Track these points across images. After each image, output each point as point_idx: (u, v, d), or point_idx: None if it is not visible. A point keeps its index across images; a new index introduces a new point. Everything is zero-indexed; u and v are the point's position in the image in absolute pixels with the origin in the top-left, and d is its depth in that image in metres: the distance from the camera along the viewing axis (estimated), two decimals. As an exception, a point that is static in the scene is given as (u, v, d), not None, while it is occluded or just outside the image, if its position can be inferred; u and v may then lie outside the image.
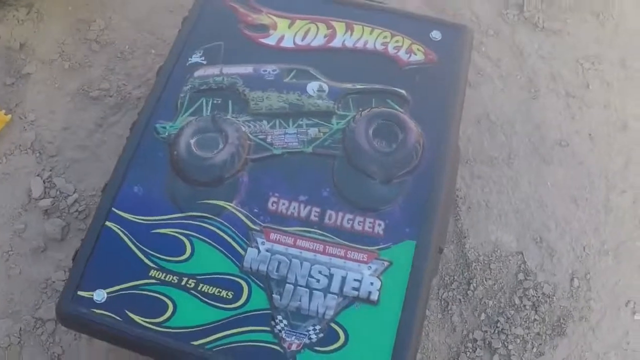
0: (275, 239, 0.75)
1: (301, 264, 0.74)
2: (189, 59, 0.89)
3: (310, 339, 0.70)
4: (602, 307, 0.93)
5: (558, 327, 0.91)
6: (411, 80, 0.86)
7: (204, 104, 0.85)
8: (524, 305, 0.91)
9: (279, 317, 0.71)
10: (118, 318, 0.72)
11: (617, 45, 1.13)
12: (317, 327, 0.70)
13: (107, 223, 0.77)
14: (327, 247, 0.75)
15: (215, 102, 0.86)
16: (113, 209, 0.77)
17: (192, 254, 0.75)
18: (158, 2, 1.15)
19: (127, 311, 0.72)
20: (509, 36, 1.12)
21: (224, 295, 0.72)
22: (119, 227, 0.76)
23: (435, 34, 0.89)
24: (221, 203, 0.77)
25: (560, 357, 0.90)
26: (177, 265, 0.74)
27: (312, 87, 0.87)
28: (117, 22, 1.13)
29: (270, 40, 0.90)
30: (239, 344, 0.71)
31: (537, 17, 1.13)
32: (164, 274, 0.74)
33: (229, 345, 0.71)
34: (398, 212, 0.77)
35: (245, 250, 0.74)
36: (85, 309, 0.73)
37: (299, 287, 0.73)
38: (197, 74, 0.88)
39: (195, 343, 0.71)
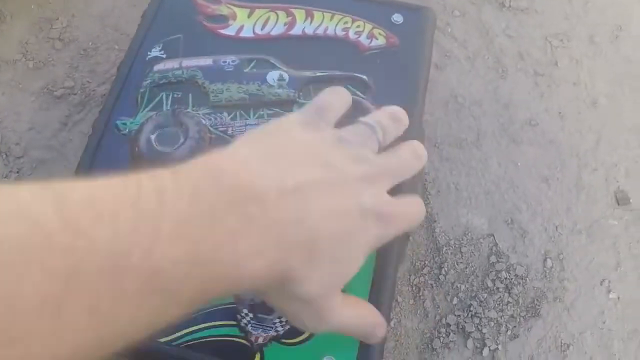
0: None
1: None
2: (149, 53, 0.89)
3: (276, 331, 0.69)
4: (577, 286, 0.93)
5: (532, 309, 0.91)
6: (373, 65, 0.85)
7: (164, 98, 0.85)
8: (497, 288, 0.91)
9: (245, 311, 0.71)
10: None
11: (585, 21, 1.12)
12: (283, 320, 0.69)
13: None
14: None
15: (175, 95, 0.85)
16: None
17: None
18: (120, -3, 1.15)
19: None
20: (475, 16, 1.12)
21: None
22: None
23: (397, 17, 0.89)
24: None
25: (535, 338, 0.90)
26: None
27: (272, 76, 0.86)
28: (80, 19, 1.13)
29: (230, 31, 0.90)
30: (207, 339, 0.70)
31: (503, -5, 1.13)
32: None
33: (197, 341, 0.70)
34: None
35: None
36: None
37: None
38: (156, 68, 0.87)
39: (163, 340, 0.71)
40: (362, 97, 0.83)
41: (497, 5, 1.13)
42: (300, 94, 0.85)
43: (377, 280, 0.72)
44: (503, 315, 0.90)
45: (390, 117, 0.55)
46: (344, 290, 0.53)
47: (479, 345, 0.88)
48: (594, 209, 0.98)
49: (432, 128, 0.99)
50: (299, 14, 0.91)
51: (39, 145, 1.02)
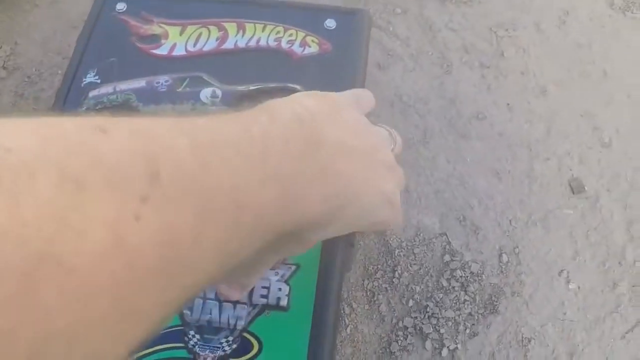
0: None
1: None
2: (84, 79, 0.89)
3: (224, 350, 0.70)
4: (535, 279, 0.93)
5: (490, 305, 0.91)
6: (306, 74, 0.85)
7: None
8: (453, 287, 0.91)
9: (192, 332, 0.71)
10: None
11: (531, 8, 1.12)
12: (230, 338, 0.70)
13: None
14: None
15: None
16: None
17: None
18: (62, 19, 1.15)
19: None
20: (417, 12, 1.12)
21: None
22: None
23: (330, 23, 0.89)
24: None
25: (495, 335, 0.90)
26: None
27: (205, 93, 0.86)
28: (23, 46, 1.14)
29: (162, 50, 0.89)
30: None
31: (445, -11, 1.13)
32: None
33: None
34: None
35: None
36: None
37: (208, 300, 0.72)
38: (91, 94, 0.87)
39: None
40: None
41: (439, 0, 1.13)
42: (235, 109, 0.85)
43: (320, 291, 0.72)
44: (460, 314, 0.90)
45: (398, 136, 0.59)
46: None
47: (437, 346, 0.89)
48: (548, 200, 0.98)
49: (378, 129, 0.99)
50: (231, 27, 0.91)
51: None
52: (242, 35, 0.91)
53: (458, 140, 1.01)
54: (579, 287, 0.92)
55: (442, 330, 0.89)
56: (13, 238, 0.24)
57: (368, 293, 0.92)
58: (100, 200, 0.28)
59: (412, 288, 0.92)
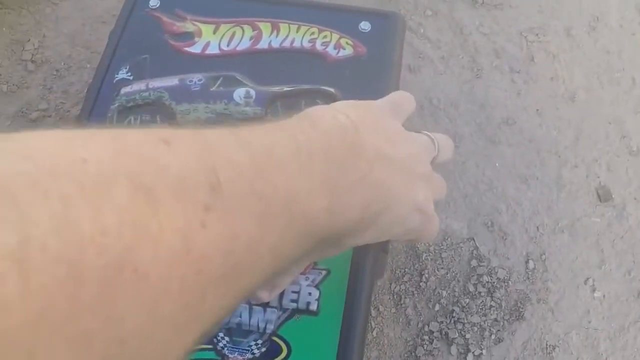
0: None
1: None
2: (116, 75, 0.90)
3: (253, 353, 0.71)
4: (560, 287, 0.94)
5: (516, 312, 0.92)
6: (341, 76, 0.85)
7: (132, 121, 0.86)
8: (479, 292, 0.93)
9: (221, 335, 0.72)
10: None
11: (561, 14, 1.13)
12: (259, 342, 0.71)
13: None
14: None
15: (143, 118, 0.86)
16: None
17: None
18: (90, 14, 1.16)
19: None
20: (448, 15, 1.12)
21: None
22: None
23: (364, 25, 0.90)
24: None
25: (520, 341, 0.91)
26: None
27: (239, 94, 0.87)
28: (51, 39, 1.15)
29: (196, 48, 0.90)
30: None
31: (476, -8, 1.14)
32: None
33: None
34: None
35: None
36: None
37: None
38: (123, 91, 0.88)
39: None
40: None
41: (470, 3, 1.13)
42: (268, 111, 0.86)
43: (350, 297, 0.73)
44: (486, 320, 0.91)
45: (446, 141, 0.60)
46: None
47: (462, 351, 0.90)
48: (575, 207, 0.99)
49: (407, 133, 1.00)
50: (265, 27, 0.92)
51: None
52: (277, 36, 0.92)
53: (488, 145, 1.02)
54: (604, 296, 0.94)
55: (467, 336, 0.90)
56: (96, 245, 0.26)
57: (395, 296, 0.93)
58: (169, 208, 0.29)
59: (438, 292, 0.93)
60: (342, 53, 0.88)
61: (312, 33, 0.91)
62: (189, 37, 0.92)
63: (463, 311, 0.91)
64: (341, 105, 0.50)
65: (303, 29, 0.91)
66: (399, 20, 0.90)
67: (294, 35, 0.91)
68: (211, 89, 0.88)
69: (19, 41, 1.14)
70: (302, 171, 0.38)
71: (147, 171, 0.30)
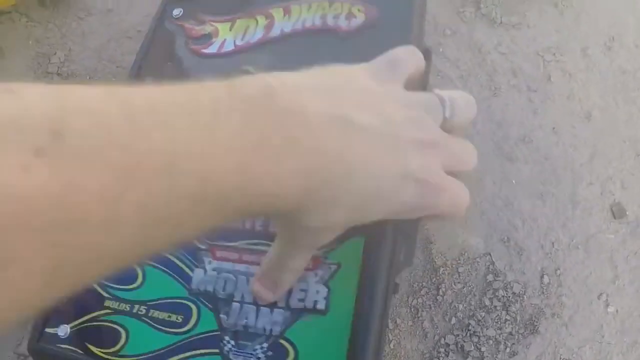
0: (222, 256, 0.75)
1: (247, 279, 0.73)
2: (142, 86, 0.93)
3: (258, 357, 0.70)
4: (574, 302, 0.97)
5: (530, 326, 0.95)
6: (356, 48, 0.81)
7: None
8: (495, 306, 0.96)
9: (227, 338, 0.71)
10: (80, 351, 0.75)
11: (577, 34, 1.17)
12: (265, 345, 0.70)
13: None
14: None
15: None
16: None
17: (143, 281, 0.77)
18: (115, 29, 1.20)
19: (87, 343, 0.75)
20: (466, 34, 1.16)
21: (174, 320, 0.74)
22: None
23: None
24: None
25: (534, 355, 0.94)
26: (129, 293, 0.77)
27: None
28: (77, 53, 1.19)
29: (213, 49, 0.90)
30: None
31: (494, 12, 1.17)
32: (118, 303, 0.76)
33: None
34: None
35: (193, 272, 0.75)
36: (51, 345, 0.76)
37: (245, 305, 0.72)
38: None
39: None
40: None
41: (488, 22, 1.17)
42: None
43: (362, 294, 0.69)
44: (501, 333, 0.94)
45: (464, 99, 0.55)
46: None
47: (478, 364, 0.93)
48: (590, 224, 1.02)
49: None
50: (277, 12, 0.90)
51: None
52: (289, 19, 0.89)
53: (504, 162, 1.05)
54: (617, 311, 0.97)
55: (482, 349, 0.93)
56: None
57: (412, 309, 0.96)
58: None
59: (455, 306, 0.96)
60: (353, 22, 0.84)
61: (323, 8, 0.88)
62: (207, 38, 0.92)
63: (479, 325, 0.95)
64: (295, 73, 0.47)
65: (314, 6, 0.88)
66: None
67: (305, 15, 0.89)
68: None
69: (45, 54, 1.19)
70: (195, 130, 0.36)
71: None
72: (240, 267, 0.75)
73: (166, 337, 0.74)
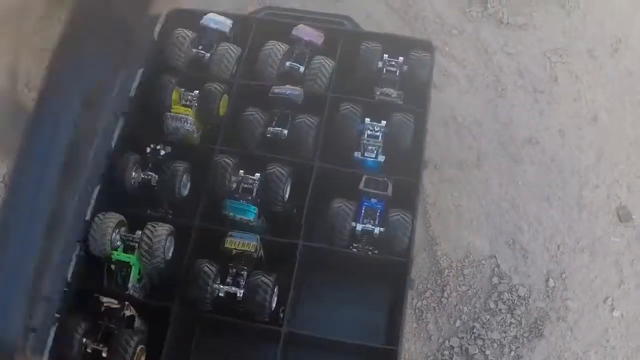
0: None
1: None
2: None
3: None
4: (580, 305, 0.98)
5: (535, 329, 0.95)
6: None
7: None
8: (500, 309, 0.96)
9: None
10: None
11: (584, 35, 1.17)
12: None
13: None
14: None
15: None
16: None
17: None
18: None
19: None
20: (473, 34, 1.16)
21: None
22: None
23: None
24: None
25: (539, 358, 0.94)
26: None
27: None
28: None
29: None
30: None
31: (501, 12, 1.17)
32: None
33: None
34: None
35: None
36: None
37: None
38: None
39: None
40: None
41: (495, 23, 1.17)
42: None
43: None
44: (506, 337, 0.95)
45: None
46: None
47: (482, 367, 0.93)
48: (595, 227, 1.02)
49: (432, 149, 1.03)
50: None
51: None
52: None
53: (511, 164, 1.05)
54: (622, 315, 0.97)
55: (487, 352, 0.93)
56: None
57: (417, 311, 0.96)
58: None
59: (459, 308, 0.96)
60: None
61: None
62: None
63: (483, 327, 0.95)
64: None
65: None
66: None
67: None
68: None
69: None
70: None
71: None
72: None
73: None
